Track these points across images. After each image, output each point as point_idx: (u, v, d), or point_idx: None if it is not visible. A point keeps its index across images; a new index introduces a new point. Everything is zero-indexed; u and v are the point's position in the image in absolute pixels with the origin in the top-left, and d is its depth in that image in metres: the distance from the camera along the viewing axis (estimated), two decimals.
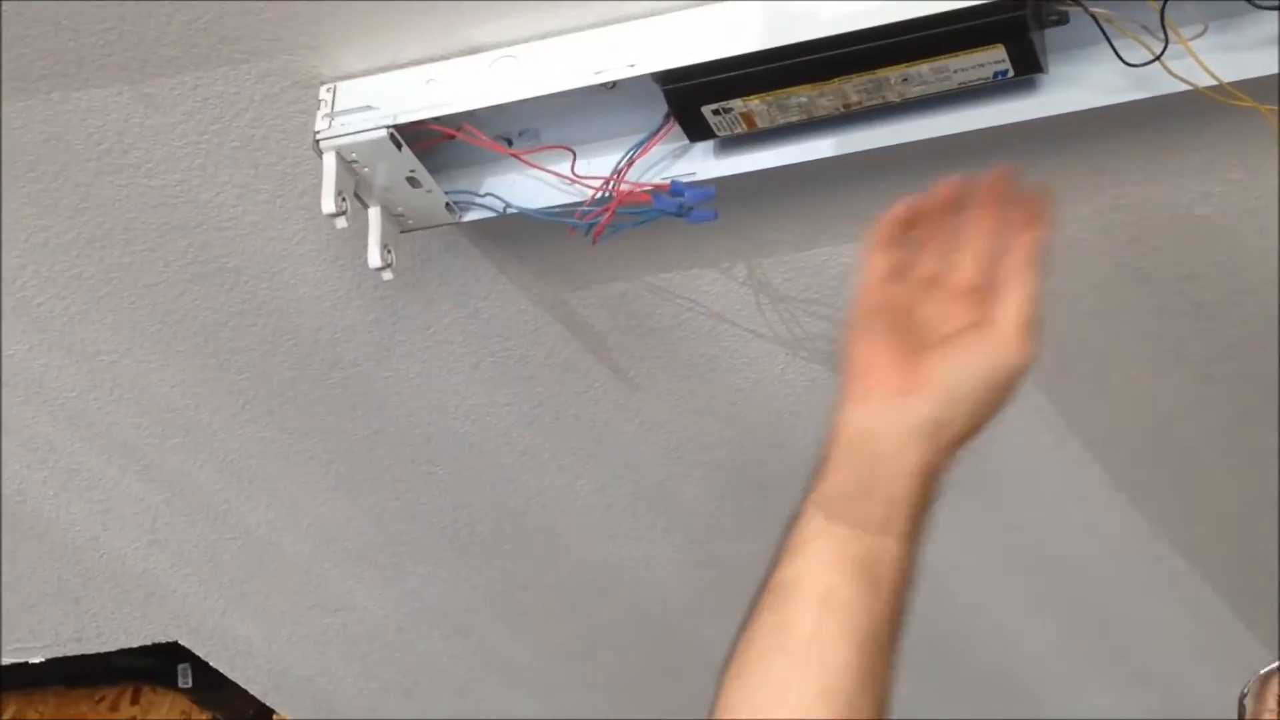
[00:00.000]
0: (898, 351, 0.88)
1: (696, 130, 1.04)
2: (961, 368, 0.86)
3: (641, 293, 1.28)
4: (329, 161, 1.03)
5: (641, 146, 1.06)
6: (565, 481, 1.56)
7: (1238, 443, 1.47)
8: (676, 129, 1.05)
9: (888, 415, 0.86)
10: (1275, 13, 0.92)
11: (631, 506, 1.61)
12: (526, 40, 1.03)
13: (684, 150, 1.08)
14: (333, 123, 1.03)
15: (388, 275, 1.09)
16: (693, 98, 1.01)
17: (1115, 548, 1.68)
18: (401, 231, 1.12)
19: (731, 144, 1.07)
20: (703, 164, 1.08)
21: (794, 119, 1.02)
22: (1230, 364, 1.35)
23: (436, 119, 1.03)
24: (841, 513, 0.85)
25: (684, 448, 1.51)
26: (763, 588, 0.87)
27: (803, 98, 1.00)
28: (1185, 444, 1.48)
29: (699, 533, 1.66)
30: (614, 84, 1.02)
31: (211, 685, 2.03)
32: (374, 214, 1.08)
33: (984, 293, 0.88)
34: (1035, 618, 1.84)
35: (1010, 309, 0.86)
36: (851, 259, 1.23)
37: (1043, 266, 0.88)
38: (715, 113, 1.02)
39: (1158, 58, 0.94)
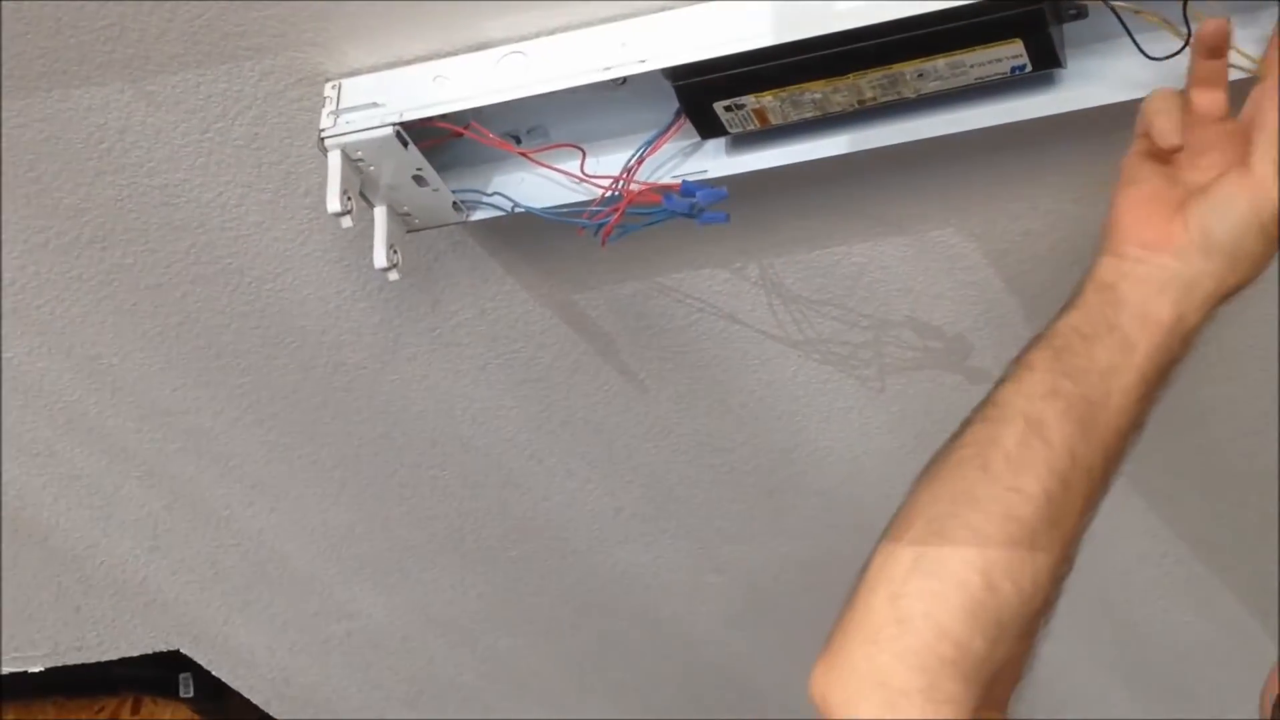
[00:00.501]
0: (1157, 205, 0.89)
1: (708, 127, 1.02)
2: (1217, 216, 0.86)
3: (652, 293, 1.26)
4: (334, 160, 1.01)
5: (652, 144, 1.04)
6: (574, 486, 1.55)
7: (1258, 443, 1.46)
8: (688, 126, 1.03)
9: (1139, 269, 0.87)
10: None
11: (641, 511, 1.59)
12: (535, 36, 1.01)
13: (695, 148, 1.06)
14: (338, 120, 1.01)
15: (394, 276, 1.07)
16: (704, 94, 0.99)
17: (1134, 548, 1.67)
18: (408, 231, 1.10)
19: (744, 141, 1.05)
20: (714, 161, 1.06)
21: (808, 115, 1.00)
22: (1249, 364, 1.33)
23: (443, 116, 1.01)
24: (1070, 349, 0.86)
25: (695, 451, 1.49)
26: (981, 403, 0.88)
27: (816, 94, 0.98)
28: (1202, 445, 1.46)
29: (710, 538, 1.64)
30: (624, 80, 1.00)
31: (213, 695, 2.00)
32: (379, 213, 1.06)
33: (1241, 138, 0.88)
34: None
35: (1261, 149, 0.85)
36: (865, 258, 1.21)
37: None
38: (727, 109, 1.00)
39: (1182, 49, 0.91)
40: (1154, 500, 1.55)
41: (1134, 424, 0.87)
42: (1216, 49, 0.90)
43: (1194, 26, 0.91)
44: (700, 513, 1.58)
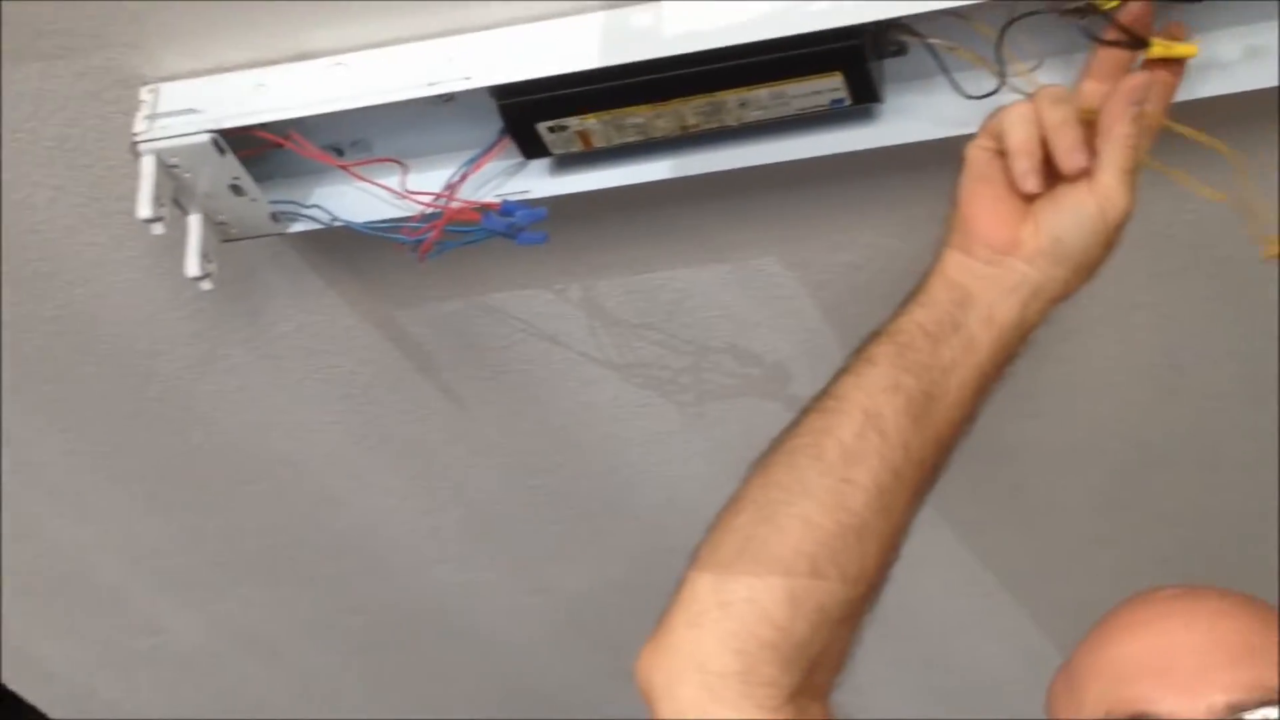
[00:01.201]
0: (1008, 205, 0.90)
1: (532, 147, 1.01)
2: (1067, 224, 0.88)
3: (474, 312, 1.26)
4: (147, 165, 0.99)
5: (475, 162, 1.04)
6: (392, 504, 1.53)
7: (1063, 478, 1.49)
8: (512, 145, 1.03)
9: (989, 271, 0.89)
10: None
11: (460, 531, 1.58)
12: (360, 48, 1.00)
13: (519, 167, 1.06)
14: (153, 125, 0.99)
15: (206, 285, 1.05)
16: (528, 114, 0.99)
17: (943, 579, 1.70)
18: (223, 240, 1.08)
19: (568, 162, 1.05)
20: (538, 182, 1.06)
21: (631, 139, 1.00)
22: (1058, 399, 1.37)
23: (263, 125, 1.00)
24: (914, 346, 0.88)
25: (515, 471, 1.48)
26: (820, 393, 0.89)
27: (640, 118, 0.98)
28: (1008, 479, 1.50)
29: (529, 559, 1.64)
30: (450, 97, 1.00)
31: (10, 711, 1.94)
32: (194, 221, 1.04)
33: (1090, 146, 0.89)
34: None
35: (1109, 159, 0.87)
36: (687, 284, 1.22)
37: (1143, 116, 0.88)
38: (551, 130, 0.99)
39: (997, 90, 0.93)
40: (962, 533, 1.59)
41: (968, 416, 0.90)
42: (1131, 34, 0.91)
43: (1009, 66, 0.93)
44: (519, 533, 1.58)
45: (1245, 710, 0.80)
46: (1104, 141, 0.87)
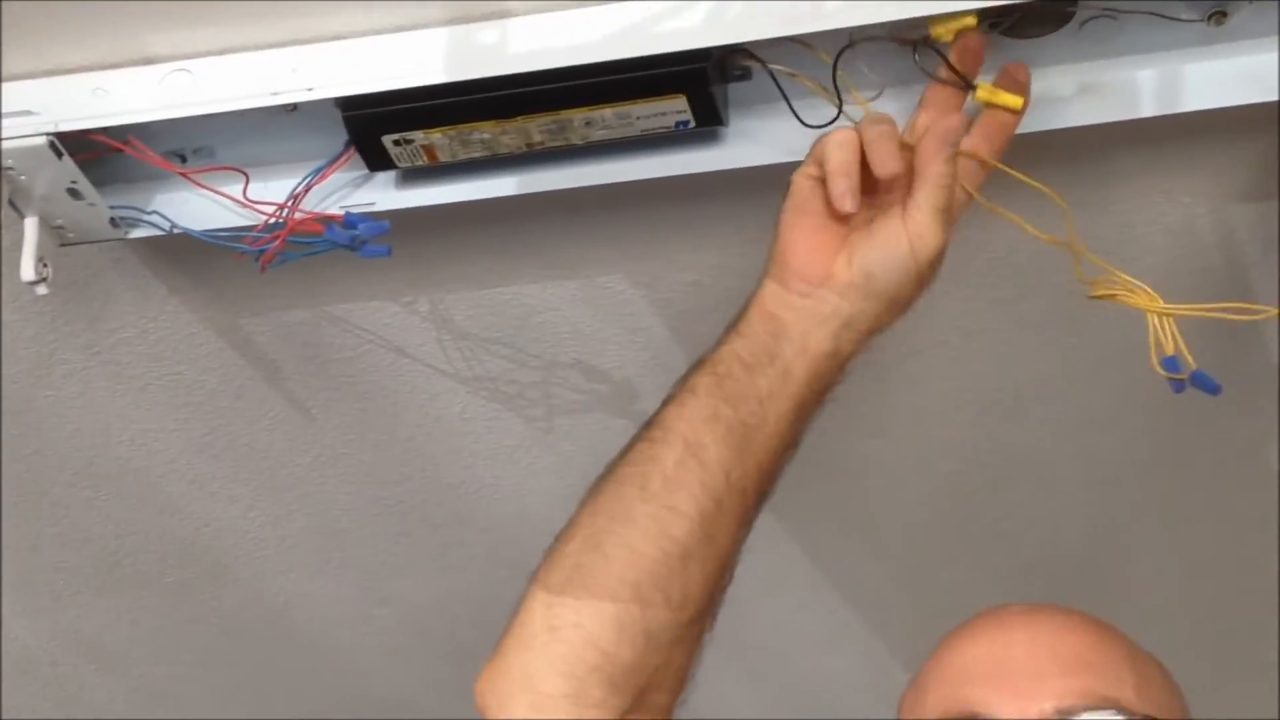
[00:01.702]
0: (825, 236, 0.92)
1: (377, 160, 1.01)
2: (878, 260, 0.90)
3: (320, 322, 1.25)
4: None
5: (320, 173, 1.03)
6: (237, 513, 1.51)
7: (907, 498, 1.52)
8: (358, 157, 1.02)
9: (803, 302, 0.91)
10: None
11: (305, 541, 1.56)
12: (204, 55, 0.99)
13: (366, 179, 1.06)
14: None
15: (42, 290, 1.03)
16: (373, 126, 0.98)
17: (793, 597, 1.71)
18: (61, 244, 1.06)
19: (413, 176, 1.05)
20: (384, 194, 1.06)
21: (477, 155, 1.01)
22: (901, 420, 1.39)
23: (102, 129, 0.98)
24: (732, 376, 0.90)
25: (362, 482, 1.47)
26: (646, 423, 0.91)
27: (485, 134, 0.99)
28: (855, 498, 1.52)
29: (376, 570, 1.63)
30: (295, 106, 0.99)
31: None
32: (30, 224, 1.03)
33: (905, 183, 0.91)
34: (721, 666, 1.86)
35: (923, 197, 0.89)
36: (535, 299, 1.22)
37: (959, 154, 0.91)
38: (396, 143, 0.99)
39: (836, 118, 0.95)
40: (809, 551, 1.61)
41: (788, 444, 0.92)
42: (959, 74, 0.93)
43: (848, 95, 0.95)
44: (366, 544, 1.57)
45: (1073, 714, 0.83)
46: (919, 179, 0.90)
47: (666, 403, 0.92)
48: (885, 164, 0.89)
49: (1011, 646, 0.88)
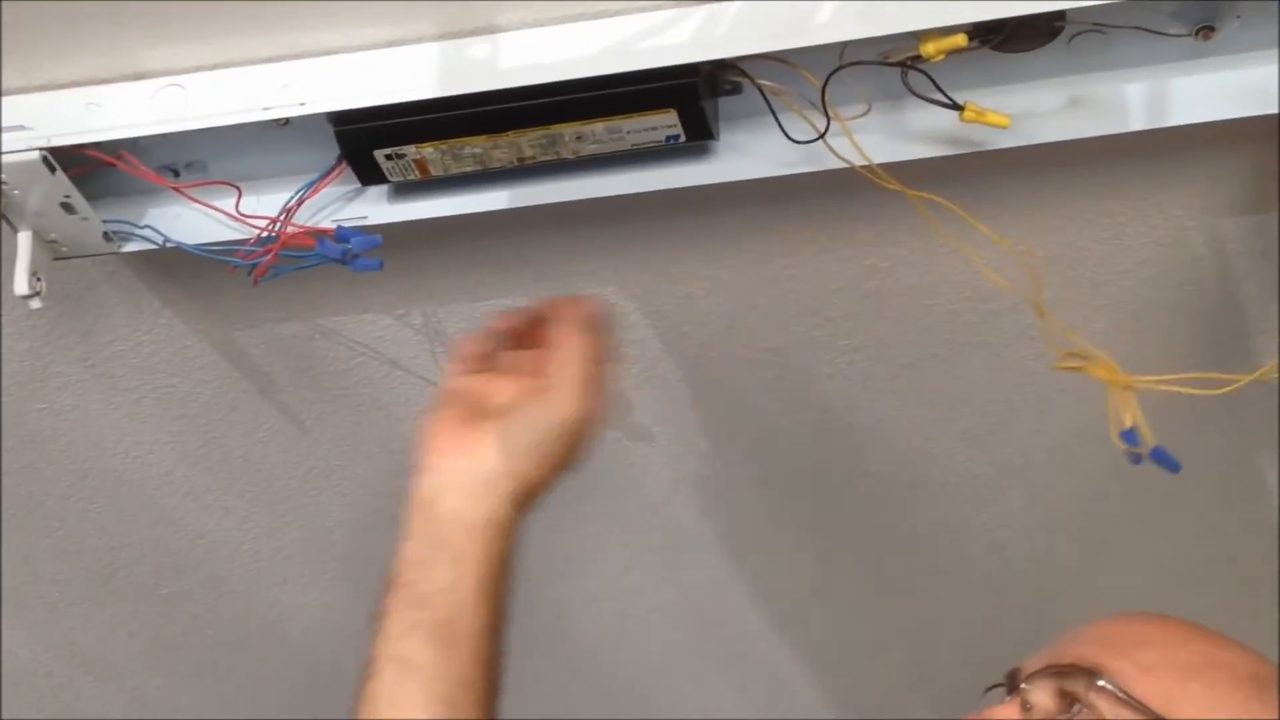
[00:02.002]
0: (467, 423, 0.96)
1: (369, 174, 1.02)
2: (520, 425, 0.94)
3: (314, 334, 1.25)
4: None
5: (312, 187, 1.03)
6: (232, 524, 1.51)
7: (899, 510, 1.52)
8: (350, 171, 1.03)
9: (450, 476, 0.94)
10: (929, 104, 0.95)
11: (301, 552, 1.56)
12: (196, 70, 0.99)
13: (358, 193, 1.06)
14: None
15: (36, 304, 1.03)
16: (365, 141, 0.99)
17: (783, 608, 1.72)
18: (55, 259, 1.06)
19: (405, 190, 1.05)
20: (376, 208, 1.06)
21: (468, 169, 1.01)
22: (893, 433, 1.39)
23: (95, 144, 0.99)
24: (413, 581, 0.91)
25: (355, 494, 1.47)
26: (363, 664, 0.92)
27: (477, 148, 0.99)
28: (849, 509, 1.52)
29: (369, 582, 1.61)
30: (287, 121, 1.00)
31: None
32: (24, 239, 1.03)
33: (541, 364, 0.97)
34: (712, 673, 1.86)
35: (561, 366, 0.95)
36: None
37: (598, 329, 0.98)
38: (388, 158, 1.00)
39: (821, 136, 0.96)
40: (801, 562, 1.61)
41: (493, 620, 0.92)
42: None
43: (833, 112, 0.95)
44: (360, 556, 1.57)
45: None
46: (554, 354, 0.96)
47: (369, 636, 0.93)
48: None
49: (1148, 628, 0.90)
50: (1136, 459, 0.95)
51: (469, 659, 0.90)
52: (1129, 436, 0.95)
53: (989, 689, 0.92)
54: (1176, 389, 0.95)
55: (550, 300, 1.01)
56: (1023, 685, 0.89)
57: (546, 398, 0.94)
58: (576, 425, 0.94)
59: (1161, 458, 0.95)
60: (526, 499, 0.94)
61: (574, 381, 0.94)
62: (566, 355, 0.96)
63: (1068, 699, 0.86)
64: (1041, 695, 0.87)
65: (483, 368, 1.01)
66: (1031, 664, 0.90)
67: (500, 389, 0.97)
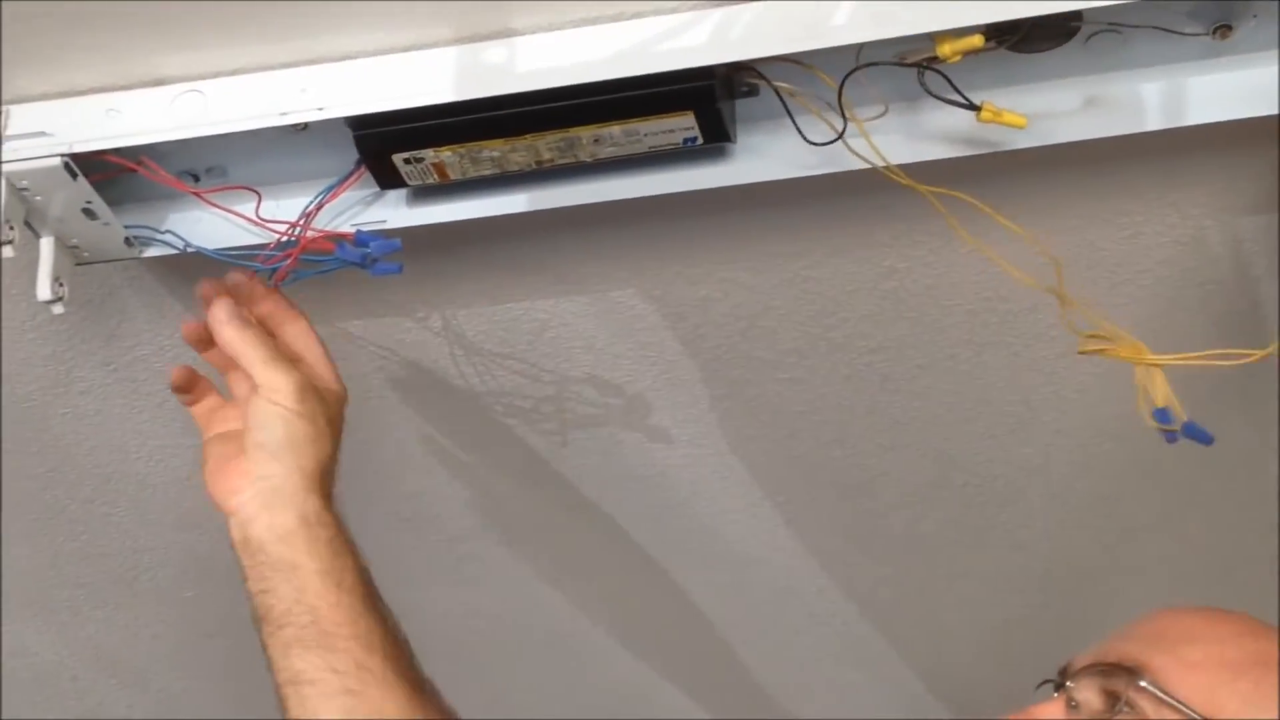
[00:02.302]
0: (232, 458, 1.00)
1: (387, 178, 1.02)
2: (257, 434, 0.98)
3: (334, 339, 1.25)
4: None
5: (331, 191, 1.04)
6: None
7: (920, 510, 1.52)
8: (369, 175, 1.03)
9: (246, 509, 0.98)
10: (946, 104, 0.95)
11: None
12: (215, 75, 1.00)
13: (377, 197, 1.07)
14: (2, 147, 0.98)
15: (58, 309, 1.04)
16: (383, 145, 0.99)
17: (806, 609, 1.72)
18: (77, 264, 1.07)
19: (424, 193, 1.06)
20: (395, 212, 1.06)
21: (486, 172, 1.01)
22: (913, 434, 1.39)
23: (115, 150, 0.99)
24: (269, 609, 0.97)
25: (378, 498, 1.48)
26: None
27: (495, 152, 0.99)
28: (870, 510, 1.52)
29: (392, 584, 1.60)
30: (305, 126, 1.00)
31: None
32: (46, 244, 1.04)
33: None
34: (734, 673, 1.86)
35: (249, 370, 0.98)
36: (547, 314, 1.23)
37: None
38: (407, 161, 1.00)
39: (838, 137, 0.96)
40: (824, 562, 1.61)
41: (355, 599, 0.98)
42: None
43: (850, 113, 0.95)
44: (382, 558, 1.54)
45: None
46: (240, 359, 0.99)
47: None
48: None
49: (1193, 624, 0.90)
50: (1171, 437, 0.95)
51: (351, 645, 0.95)
52: (1161, 415, 0.95)
53: (1040, 685, 0.92)
54: (1201, 362, 0.95)
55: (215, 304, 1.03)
56: (1068, 684, 0.89)
57: (259, 392, 0.98)
58: (296, 401, 0.98)
59: (1194, 432, 0.95)
60: (319, 480, 0.99)
61: (264, 365, 0.98)
62: (233, 347, 0.99)
63: (1112, 697, 0.86)
64: (1087, 693, 0.88)
65: (202, 398, 1.07)
66: (1080, 659, 0.90)
67: (234, 414, 1.03)
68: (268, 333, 1.03)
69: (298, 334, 1.04)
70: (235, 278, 1.04)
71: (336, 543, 0.99)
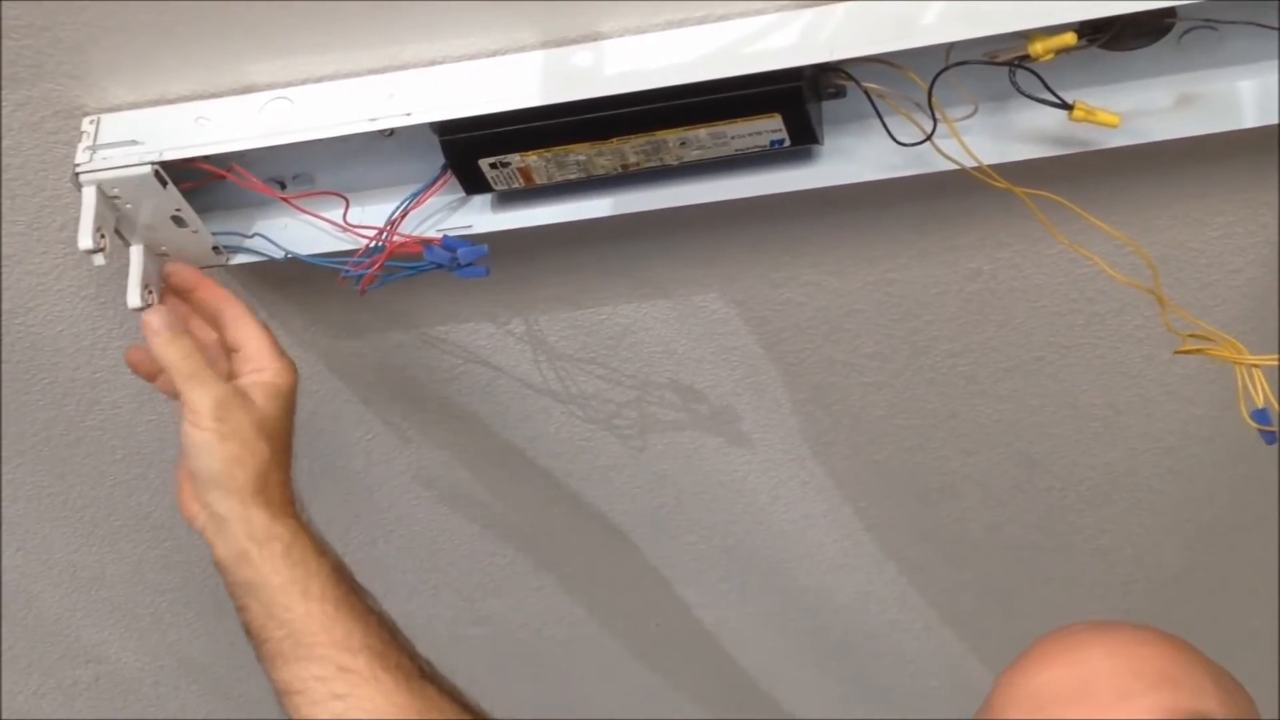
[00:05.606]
0: (188, 483, 1.02)
1: (473, 183, 1.02)
2: (198, 463, 0.99)
3: (416, 344, 1.26)
4: (88, 196, 0.98)
5: (417, 197, 1.04)
6: (334, 535, 1.48)
7: (1003, 515, 1.51)
8: (455, 180, 1.03)
9: (208, 535, 1.01)
10: (1037, 103, 0.94)
11: (401, 561, 1.57)
12: (303, 82, 1.01)
13: (462, 202, 1.07)
14: (94, 156, 0.99)
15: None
16: (470, 150, 0.99)
17: (887, 615, 1.71)
18: None
19: (509, 198, 1.06)
20: (480, 217, 1.07)
21: (572, 176, 1.01)
22: (997, 438, 1.38)
23: (205, 158, 1.00)
24: (247, 625, 1.00)
25: (457, 503, 1.48)
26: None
27: (581, 156, 0.99)
28: (951, 515, 1.51)
29: (472, 591, 1.63)
30: (392, 132, 1.00)
31: None
32: (135, 252, 1.04)
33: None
34: (816, 678, 1.86)
35: (175, 377, 0.99)
36: (629, 319, 1.23)
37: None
38: (493, 166, 1.00)
39: (928, 138, 0.95)
40: (905, 568, 1.60)
41: (327, 605, 0.99)
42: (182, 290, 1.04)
43: (940, 113, 0.95)
44: (462, 564, 1.58)
45: None
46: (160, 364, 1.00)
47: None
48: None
49: (1091, 663, 0.86)
50: (1270, 438, 0.93)
51: (329, 651, 0.96)
52: (1261, 416, 0.93)
53: None
54: None
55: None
56: None
57: (185, 415, 0.98)
58: (212, 420, 0.97)
59: None
60: (259, 493, 0.99)
61: (183, 381, 0.97)
62: (169, 365, 0.99)
63: None
64: None
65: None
66: None
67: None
68: (211, 325, 1.04)
69: (232, 320, 1.03)
70: (171, 268, 1.05)
71: (294, 552, 0.99)
